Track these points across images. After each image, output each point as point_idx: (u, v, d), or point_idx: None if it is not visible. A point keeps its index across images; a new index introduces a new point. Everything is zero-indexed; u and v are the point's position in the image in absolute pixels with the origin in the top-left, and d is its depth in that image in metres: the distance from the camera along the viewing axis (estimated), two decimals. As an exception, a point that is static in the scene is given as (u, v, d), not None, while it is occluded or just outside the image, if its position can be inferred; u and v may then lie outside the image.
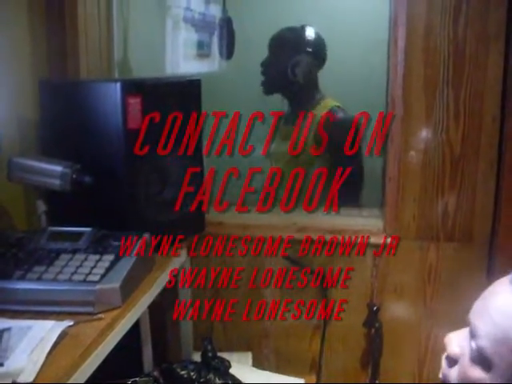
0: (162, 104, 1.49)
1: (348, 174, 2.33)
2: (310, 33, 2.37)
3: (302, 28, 2.37)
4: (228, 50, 2.33)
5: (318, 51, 2.37)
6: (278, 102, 2.48)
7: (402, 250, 1.79)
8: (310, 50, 2.34)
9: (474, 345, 0.89)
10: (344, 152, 2.32)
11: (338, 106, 2.37)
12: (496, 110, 1.65)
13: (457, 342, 0.96)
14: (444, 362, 0.98)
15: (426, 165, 1.73)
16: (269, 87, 2.41)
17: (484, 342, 0.86)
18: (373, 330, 1.80)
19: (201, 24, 2.42)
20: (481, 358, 0.87)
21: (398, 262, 1.80)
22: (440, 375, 1.00)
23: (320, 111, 2.37)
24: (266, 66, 2.39)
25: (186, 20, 2.38)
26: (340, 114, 2.36)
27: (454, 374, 0.95)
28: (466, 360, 0.91)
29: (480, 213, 1.72)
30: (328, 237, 1.84)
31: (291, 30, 2.39)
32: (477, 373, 0.88)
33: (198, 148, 1.63)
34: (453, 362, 0.95)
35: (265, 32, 2.41)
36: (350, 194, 2.34)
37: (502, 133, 1.66)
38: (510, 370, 0.84)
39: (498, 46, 1.62)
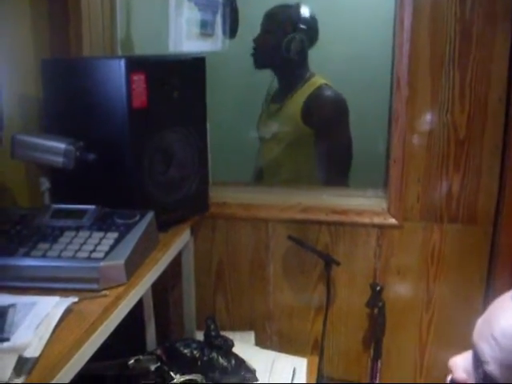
0: (166, 81, 1.48)
1: (334, 154, 2.35)
2: (303, 10, 2.37)
3: (296, 5, 2.37)
4: (231, 29, 2.32)
5: (311, 29, 2.37)
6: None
7: (405, 231, 1.79)
8: (303, 27, 2.34)
9: (481, 371, 0.86)
10: (331, 130, 2.34)
11: (326, 84, 2.37)
12: (502, 91, 1.64)
13: (463, 366, 0.92)
14: None
15: (431, 146, 1.72)
16: (259, 61, 2.43)
17: (492, 368, 0.83)
18: (375, 310, 1.80)
19: (204, 3, 2.39)
20: (488, 383, 0.84)
21: (402, 243, 1.80)
22: None
23: (307, 89, 2.37)
24: (258, 41, 2.40)
25: (189, -1, 2.36)
26: (328, 92, 2.37)
27: None
28: None
29: (484, 194, 1.72)
30: (332, 217, 1.84)
31: (285, 6, 2.40)
32: None
33: (203, 127, 1.63)
34: None
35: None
36: (337, 174, 2.35)
37: (507, 114, 1.65)
38: None
39: (505, 26, 1.60)
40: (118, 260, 1.19)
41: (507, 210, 1.67)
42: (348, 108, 2.35)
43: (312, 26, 2.39)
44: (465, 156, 1.71)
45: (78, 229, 1.29)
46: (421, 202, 1.76)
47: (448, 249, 1.77)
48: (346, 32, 2.68)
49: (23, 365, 0.89)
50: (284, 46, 2.32)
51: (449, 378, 0.96)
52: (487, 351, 0.84)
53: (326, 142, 2.37)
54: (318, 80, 2.39)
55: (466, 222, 1.75)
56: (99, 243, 1.23)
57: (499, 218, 1.70)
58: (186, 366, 1.60)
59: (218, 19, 2.45)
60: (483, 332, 0.86)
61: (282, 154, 2.43)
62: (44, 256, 1.19)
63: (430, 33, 1.65)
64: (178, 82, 1.52)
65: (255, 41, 2.40)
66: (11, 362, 0.88)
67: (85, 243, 1.23)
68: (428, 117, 1.71)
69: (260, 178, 2.55)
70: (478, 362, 0.86)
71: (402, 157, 1.74)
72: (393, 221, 1.79)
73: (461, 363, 0.93)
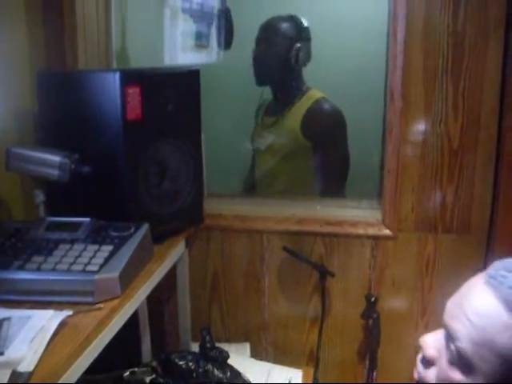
0: (161, 94, 1.49)
1: (333, 166, 2.36)
2: (300, 22, 2.37)
3: (292, 17, 2.37)
4: (226, 41, 2.33)
5: (308, 41, 2.38)
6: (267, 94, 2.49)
7: (400, 242, 1.80)
8: (304, 36, 2.34)
9: (453, 347, 0.88)
10: (329, 143, 2.35)
11: (324, 97, 2.38)
12: (495, 101, 1.65)
13: (433, 343, 0.95)
14: (419, 363, 0.98)
15: (425, 156, 1.73)
16: (261, 77, 2.42)
17: (464, 345, 0.86)
18: (370, 321, 1.81)
19: (199, 15, 2.40)
20: (461, 361, 0.87)
21: (397, 254, 1.81)
22: (415, 375, 1.00)
23: (306, 102, 2.38)
24: (257, 55, 2.39)
25: (184, 10, 2.37)
26: (327, 106, 2.38)
27: (431, 375, 0.95)
28: (444, 362, 0.91)
29: (478, 205, 1.73)
30: (326, 228, 1.85)
31: (281, 18, 2.38)
32: (457, 375, 0.88)
33: (198, 139, 1.63)
34: (429, 364, 0.95)
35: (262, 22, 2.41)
36: (335, 185, 2.36)
37: (500, 124, 1.66)
38: (492, 370, 0.84)
39: (497, 37, 1.61)
40: (113, 273, 1.18)
41: (501, 219, 1.68)
42: (346, 121, 2.36)
43: (307, 39, 2.39)
44: (458, 166, 1.72)
45: (72, 241, 1.29)
46: (415, 213, 1.77)
47: (442, 259, 1.78)
48: (340, 45, 2.69)
49: (17, 379, 0.89)
50: (293, 56, 2.31)
51: (419, 356, 0.99)
52: (460, 330, 0.87)
53: (325, 154, 2.38)
54: (315, 93, 2.40)
55: (460, 231, 1.76)
56: (94, 256, 1.23)
57: (493, 228, 1.71)
58: (181, 377, 1.60)
59: (213, 31, 2.46)
60: (455, 312, 0.89)
61: (276, 166, 2.44)
62: (39, 269, 1.18)
63: (423, 45, 1.66)
64: (173, 94, 1.52)
65: (255, 56, 2.39)
66: (5, 376, 0.88)
67: (79, 256, 1.23)
68: (422, 127, 1.72)
69: (253, 189, 2.55)
70: (450, 340, 0.89)
71: (396, 167, 1.75)
72: (387, 232, 1.80)
73: (431, 341, 0.96)
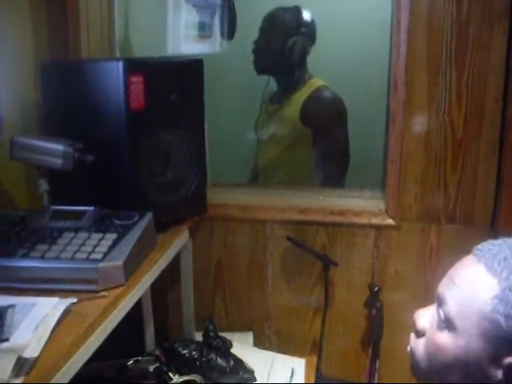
0: (164, 83, 1.49)
1: (332, 154, 2.37)
2: (303, 13, 2.38)
3: (295, 8, 2.38)
4: (229, 31, 2.33)
5: (310, 31, 2.38)
6: (273, 82, 2.49)
7: (403, 232, 1.80)
8: (304, 30, 2.35)
9: (441, 312, 0.94)
10: (329, 131, 2.35)
11: (325, 86, 2.38)
12: (499, 91, 1.65)
13: (425, 317, 1.00)
14: (412, 336, 1.03)
15: (428, 146, 1.73)
16: (261, 66, 2.44)
17: (449, 307, 0.92)
18: (373, 311, 1.81)
19: (202, 5, 2.40)
20: (446, 323, 0.92)
21: (400, 244, 1.81)
22: (408, 349, 1.05)
23: (306, 90, 2.39)
24: (257, 44, 2.41)
25: (187, 1, 2.36)
26: (327, 94, 2.39)
27: (421, 344, 0.99)
28: (432, 331, 0.96)
29: (481, 195, 1.72)
30: (330, 218, 1.85)
31: (284, 9, 2.41)
32: (442, 337, 0.93)
33: (201, 128, 1.63)
34: (419, 335, 1.00)
35: (266, 12, 2.41)
36: (335, 174, 2.37)
37: (504, 114, 1.66)
38: (471, 330, 0.88)
39: (501, 26, 1.61)
40: (117, 261, 1.19)
41: (504, 209, 1.68)
42: (346, 110, 2.36)
43: (311, 29, 2.40)
44: (462, 156, 1.71)
45: (76, 230, 1.29)
46: (418, 203, 1.77)
47: (445, 249, 1.77)
48: (344, 34, 2.70)
49: (22, 365, 0.90)
50: (287, 49, 2.33)
51: (413, 332, 1.04)
52: (447, 293, 0.93)
53: (324, 142, 2.39)
54: (316, 82, 2.41)
55: (463, 222, 1.75)
56: (98, 244, 1.23)
57: (496, 218, 1.71)
58: (184, 366, 1.61)
59: (216, 21, 2.46)
60: (445, 281, 0.97)
61: (279, 155, 2.44)
62: (43, 257, 1.19)
63: (427, 33, 1.65)
64: (176, 83, 1.52)
65: (255, 46, 2.41)
66: (10, 362, 0.88)
67: (83, 244, 1.23)
68: (425, 117, 1.71)
69: (256, 178, 2.56)
70: (439, 306, 0.95)
71: (400, 157, 1.75)
72: (390, 221, 1.80)
73: (423, 314, 1.01)
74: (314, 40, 2.42)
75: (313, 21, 2.40)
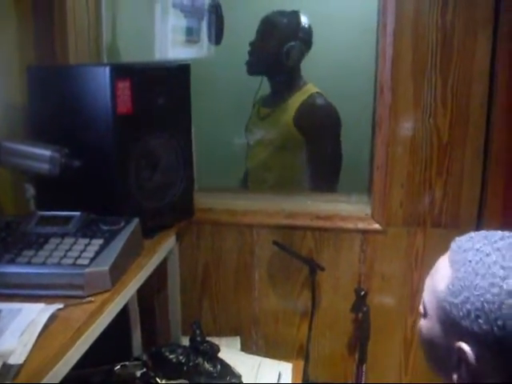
0: (151, 88, 1.49)
1: (324, 161, 2.37)
2: (301, 18, 2.37)
3: (294, 13, 2.38)
4: (217, 36, 2.33)
5: (307, 37, 2.39)
6: (265, 85, 2.49)
7: (389, 236, 1.81)
8: (301, 35, 2.36)
9: (422, 299, 1.05)
10: (322, 138, 2.36)
11: (319, 93, 2.39)
12: (483, 97, 1.66)
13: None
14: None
15: (414, 151, 1.74)
16: (253, 67, 2.43)
17: (424, 294, 1.04)
18: (360, 315, 1.82)
19: (190, 10, 2.40)
20: (423, 308, 1.04)
21: (386, 248, 1.82)
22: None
23: (301, 96, 2.39)
24: (254, 46, 2.40)
25: (175, 6, 2.37)
26: (322, 100, 2.39)
27: (418, 326, 1.09)
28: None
29: (467, 199, 1.74)
30: (316, 222, 1.86)
31: (283, 14, 2.40)
32: (421, 321, 1.05)
33: (188, 133, 1.63)
34: (420, 317, 1.09)
35: (253, 18, 2.41)
36: (327, 181, 2.37)
37: (489, 119, 1.67)
38: (434, 318, 0.99)
39: (486, 33, 1.62)
40: (103, 266, 1.19)
41: (489, 213, 1.69)
42: (340, 118, 2.37)
43: (308, 34, 2.40)
44: (447, 160, 1.73)
45: (63, 235, 1.29)
46: (404, 207, 1.78)
47: (431, 253, 1.78)
48: (334, 40, 2.70)
49: (7, 371, 0.89)
50: (284, 54, 2.33)
51: None
52: (426, 282, 1.05)
53: (317, 149, 2.39)
54: (311, 88, 2.41)
55: (448, 226, 1.77)
56: (84, 250, 1.23)
57: (481, 222, 1.72)
58: (171, 371, 1.61)
59: (204, 26, 2.46)
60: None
61: (269, 158, 2.45)
62: (29, 263, 1.19)
63: (413, 39, 1.67)
64: (163, 88, 1.52)
65: (251, 48, 2.40)
66: (-5, 368, 0.88)
67: (70, 250, 1.23)
68: (411, 122, 1.73)
69: (246, 181, 2.56)
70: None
71: (386, 162, 1.76)
72: (376, 226, 1.81)
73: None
74: (310, 46, 2.41)
75: (310, 26, 2.40)
